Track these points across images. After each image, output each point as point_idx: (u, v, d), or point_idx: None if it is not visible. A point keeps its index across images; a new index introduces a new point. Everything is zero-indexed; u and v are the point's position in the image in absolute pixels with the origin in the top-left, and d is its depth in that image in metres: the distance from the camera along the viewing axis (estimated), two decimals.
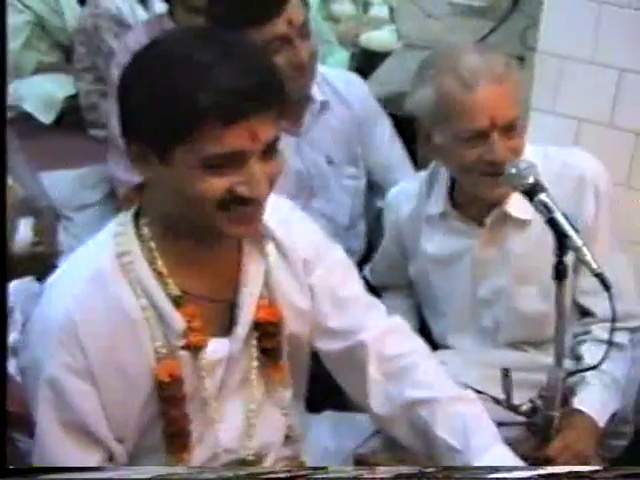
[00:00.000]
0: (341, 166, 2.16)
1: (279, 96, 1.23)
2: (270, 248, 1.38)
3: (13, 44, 3.70)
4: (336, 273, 1.44)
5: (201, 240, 1.29)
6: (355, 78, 2.25)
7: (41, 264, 2.15)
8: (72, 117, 3.74)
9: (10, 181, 2.22)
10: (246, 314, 1.35)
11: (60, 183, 2.84)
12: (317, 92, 2.10)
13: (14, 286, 1.85)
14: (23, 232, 2.38)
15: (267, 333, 1.37)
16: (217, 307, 1.34)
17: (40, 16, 3.86)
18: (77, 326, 1.24)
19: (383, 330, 1.44)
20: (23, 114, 3.69)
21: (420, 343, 1.50)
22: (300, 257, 1.40)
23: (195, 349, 1.30)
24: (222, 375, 1.35)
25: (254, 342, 1.37)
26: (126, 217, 1.31)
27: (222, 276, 1.34)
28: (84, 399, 1.26)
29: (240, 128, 1.17)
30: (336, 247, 1.49)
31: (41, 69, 3.90)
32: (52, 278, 1.33)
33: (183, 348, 1.29)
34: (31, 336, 1.29)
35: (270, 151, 1.22)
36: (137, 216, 1.31)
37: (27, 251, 2.30)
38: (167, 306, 1.28)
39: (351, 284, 1.46)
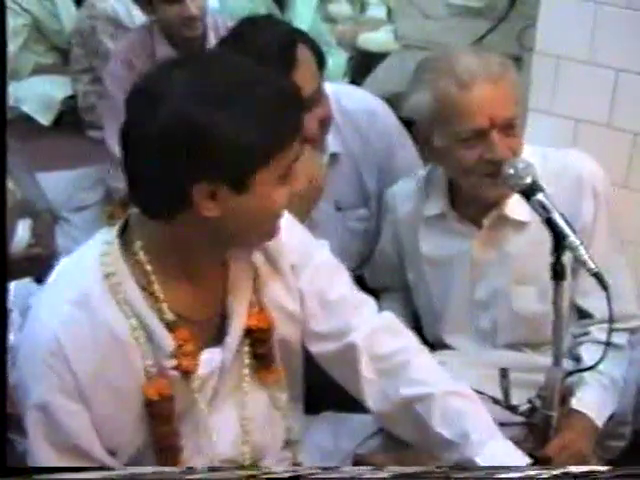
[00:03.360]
0: (350, 209, 2.08)
1: None
2: (258, 256, 1.38)
3: (11, 47, 3.70)
4: (323, 275, 1.43)
5: (199, 260, 1.29)
6: (379, 109, 2.09)
7: (39, 265, 2.15)
8: (70, 118, 3.75)
9: (10, 184, 2.22)
10: (237, 323, 1.35)
11: (58, 184, 2.84)
12: (331, 141, 1.98)
13: (12, 287, 1.85)
14: (21, 233, 2.38)
15: (258, 339, 1.37)
16: (209, 320, 1.34)
17: (37, 19, 3.88)
18: (65, 350, 1.22)
19: (373, 328, 1.44)
20: (21, 115, 3.69)
21: (412, 339, 1.49)
22: (288, 262, 1.40)
23: (186, 372, 1.29)
24: (215, 385, 1.34)
25: (246, 349, 1.37)
26: (111, 234, 1.28)
27: (212, 289, 1.33)
28: (75, 419, 1.25)
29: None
30: (323, 248, 1.48)
31: (38, 71, 3.91)
32: (38, 297, 1.31)
33: (174, 369, 1.29)
34: (19, 357, 1.27)
35: None
36: (122, 232, 1.29)
37: (25, 252, 2.30)
38: (159, 329, 1.27)
39: (338, 285, 1.45)
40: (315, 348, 1.45)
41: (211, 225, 1.22)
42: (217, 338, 1.35)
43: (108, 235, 1.29)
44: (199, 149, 1.16)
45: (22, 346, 1.27)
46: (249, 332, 1.36)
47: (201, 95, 1.17)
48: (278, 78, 1.24)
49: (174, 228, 1.23)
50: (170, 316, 1.27)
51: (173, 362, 1.28)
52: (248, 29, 1.83)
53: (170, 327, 1.27)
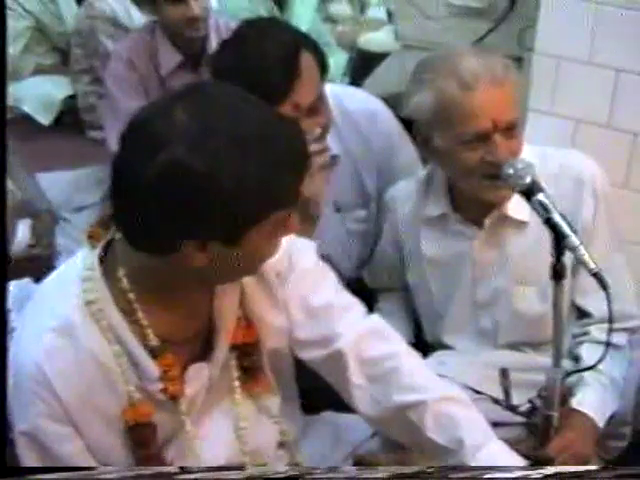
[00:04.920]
0: (350, 210, 2.06)
1: None
2: None
3: (13, 49, 3.71)
4: (307, 281, 1.41)
5: (185, 289, 1.26)
6: (380, 110, 2.07)
7: (39, 265, 2.16)
8: (70, 118, 3.75)
9: (10, 185, 2.22)
10: (224, 339, 1.34)
11: (58, 184, 2.84)
12: (331, 142, 1.94)
13: (11, 287, 1.85)
14: (21, 234, 2.38)
15: (245, 353, 1.36)
16: (195, 338, 1.33)
17: (40, 21, 3.88)
18: (49, 378, 1.22)
19: (360, 334, 1.41)
20: (22, 115, 3.69)
21: (401, 343, 1.46)
22: (273, 270, 1.38)
23: (173, 396, 1.29)
24: (204, 400, 1.34)
25: (233, 362, 1.36)
26: (92, 258, 1.26)
27: (199, 308, 1.32)
28: (66, 442, 1.25)
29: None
30: (308, 252, 1.45)
31: (39, 71, 3.91)
32: (21, 321, 1.29)
33: (160, 392, 1.28)
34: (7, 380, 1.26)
35: None
36: (104, 256, 1.26)
37: (25, 252, 2.31)
38: (143, 356, 1.26)
39: (323, 290, 1.42)
40: (303, 355, 1.43)
41: (196, 270, 1.20)
42: (204, 353, 1.34)
43: (89, 259, 1.26)
44: (194, 203, 1.11)
45: (9, 369, 1.25)
46: (236, 347, 1.36)
47: (204, 145, 1.11)
48: (289, 131, 1.17)
49: (159, 263, 1.20)
50: (155, 342, 1.26)
51: (159, 386, 1.27)
52: (250, 33, 1.80)
53: (155, 353, 1.26)
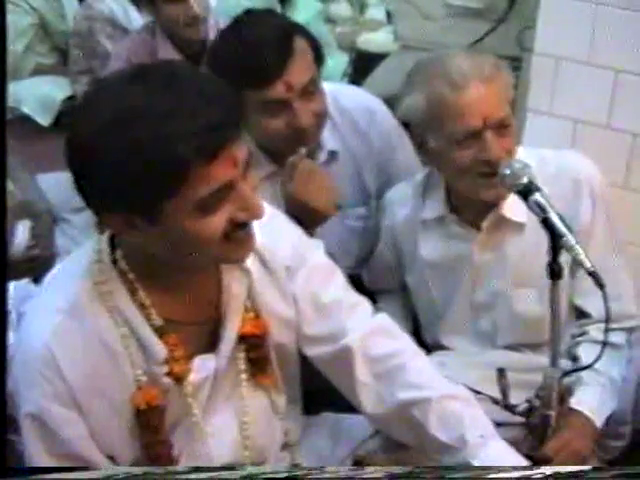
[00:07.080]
0: (350, 208, 2.05)
1: (242, 114, 1.21)
2: (251, 261, 1.36)
3: (16, 47, 3.70)
4: (317, 278, 1.42)
5: (182, 269, 1.28)
6: (378, 109, 2.07)
7: (38, 266, 2.16)
8: (70, 119, 3.74)
9: (9, 185, 2.22)
10: (231, 330, 1.35)
11: (57, 185, 2.83)
12: (329, 139, 1.95)
13: (11, 288, 1.85)
14: (21, 235, 2.38)
15: (253, 345, 1.37)
16: (201, 326, 1.34)
17: (44, 19, 3.87)
18: (57, 358, 1.23)
19: (368, 331, 1.43)
20: (21, 116, 3.69)
21: (407, 341, 1.48)
22: (282, 264, 1.39)
23: (178, 377, 1.30)
24: (209, 392, 1.35)
25: (241, 354, 1.37)
26: (102, 242, 1.29)
27: (205, 297, 1.33)
28: (71, 427, 1.26)
29: (223, 160, 1.15)
30: (317, 249, 1.47)
31: (39, 71, 3.91)
32: (31, 305, 1.32)
33: (166, 375, 1.29)
34: (14, 365, 1.27)
35: (247, 168, 1.20)
36: (113, 241, 1.29)
37: (24, 253, 2.31)
38: (150, 336, 1.27)
39: (332, 287, 1.44)
40: (310, 351, 1.44)
41: (147, 248, 1.21)
42: (210, 344, 1.35)
43: (99, 243, 1.29)
44: (90, 179, 1.16)
45: (16, 354, 1.27)
46: (243, 338, 1.36)
47: (91, 121, 1.15)
48: (205, 103, 1.14)
49: (133, 242, 1.23)
50: (159, 321, 1.27)
51: (165, 369, 1.28)
52: (247, 20, 1.84)
53: (159, 333, 1.27)
